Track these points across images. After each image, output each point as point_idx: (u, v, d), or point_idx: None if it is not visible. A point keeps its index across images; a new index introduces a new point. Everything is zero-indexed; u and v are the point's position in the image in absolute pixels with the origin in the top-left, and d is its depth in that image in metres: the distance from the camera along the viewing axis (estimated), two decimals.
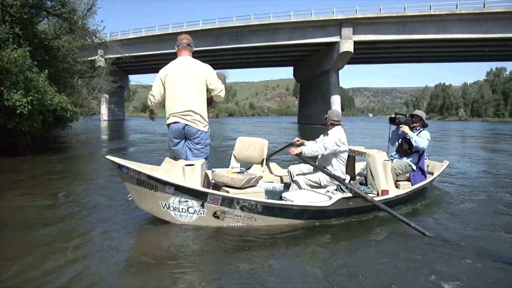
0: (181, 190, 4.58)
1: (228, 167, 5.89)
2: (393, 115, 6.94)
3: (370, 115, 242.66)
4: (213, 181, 5.37)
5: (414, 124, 6.70)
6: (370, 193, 5.67)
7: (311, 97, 57.67)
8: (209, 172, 5.44)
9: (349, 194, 5.25)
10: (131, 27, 75.10)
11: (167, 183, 4.55)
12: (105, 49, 28.74)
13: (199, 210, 4.67)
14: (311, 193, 5.47)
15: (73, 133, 23.04)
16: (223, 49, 52.27)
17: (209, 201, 4.62)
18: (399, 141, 6.85)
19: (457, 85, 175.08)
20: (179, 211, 4.69)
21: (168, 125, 5.07)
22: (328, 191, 5.51)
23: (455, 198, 6.93)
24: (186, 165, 4.81)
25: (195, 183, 4.69)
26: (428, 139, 6.57)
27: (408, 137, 6.60)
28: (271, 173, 6.70)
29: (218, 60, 63.32)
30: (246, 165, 6.27)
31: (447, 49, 51.95)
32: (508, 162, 13.13)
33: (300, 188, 5.81)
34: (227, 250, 4.17)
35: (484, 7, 42.87)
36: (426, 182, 6.48)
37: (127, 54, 54.26)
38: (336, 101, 49.92)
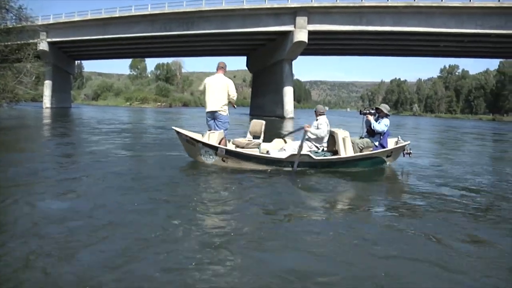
0: (205, 145, 8.33)
1: (246, 137, 9.85)
2: (361, 109, 9.65)
3: (326, 108, 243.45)
4: (234, 144, 9.09)
5: (379, 114, 9.26)
6: (322, 156, 8.58)
7: (263, 88, 55.99)
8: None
9: (296, 152, 8.10)
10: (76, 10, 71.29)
11: (198, 141, 8.38)
12: (33, 32, 25.64)
13: (214, 157, 8.37)
14: (283, 152, 8.59)
15: None
16: (172, 36, 49.90)
17: (218, 152, 8.27)
18: (367, 126, 9.32)
19: (412, 81, 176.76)
20: (206, 156, 8.47)
21: (207, 112, 9.06)
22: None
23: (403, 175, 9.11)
24: (211, 133, 8.56)
25: (212, 142, 8.32)
26: (386, 125, 9.00)
27: (371, 124, 9.13)
28: (285, 143, 9.44)
29: (168, 48, 60.92)
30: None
31: (404, 43, 51.10)
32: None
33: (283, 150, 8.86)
34: (225, 176, 7.70)
35: (442, 0, 42.15)
36: (373, 152, 8.89)
37: (70, 38, 51.47)
38: (288, 93, 48.37)
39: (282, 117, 44.09)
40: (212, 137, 8.40)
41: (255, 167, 8.21)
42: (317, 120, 8.96)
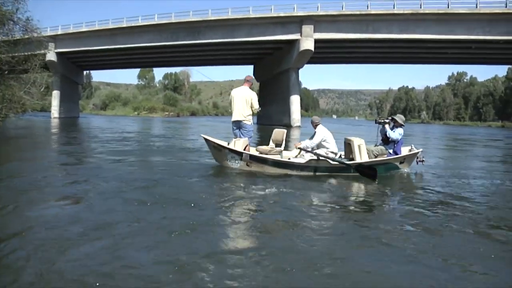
0: (231, 151, 9.20)
1: (268, 145, 10.42)
2: (377, 119, 10.42)
3: (334, 116, 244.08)
4: (257, 151, 9.79)
5: (394, 124, 9.90)
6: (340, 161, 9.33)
7: (270, 97, 55.75)
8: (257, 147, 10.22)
9: (315, 157, 9.03)
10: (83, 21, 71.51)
11: (225, 148, 9.28)
12: (41, 42, 25.61)
13: (239, 162, 9.15)
14: (302, 158, 9.47)
15: None
16: (180, 45, 50.01)
17: (243, 157, 9.05)
18: (382, 134, 10.02)
19: (419, 89, 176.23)
20: (231, 161, 9.28)
21: (232, 121, 9.92)
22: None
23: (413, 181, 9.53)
24: (237, 140, 9.44)
25: (238, 148, 9.16)
26: (400, 134, 9.71)
27: (386, 132, 9.78)
28: (300, 153, 10.13)
29: (175, 57, 61.10)
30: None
31: (411, 50, 50.91)
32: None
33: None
34: (249, 178, 8.36)
35: (448, 7, 41.96)
36: (386, 158, 9.63)
37: (79, 48, 51.67)
38: (295, 101, 48.30)
39: (289, 126, 43.89)
40: (238, 144, 9.33)
41: (276, 171, 9.02)
42: (315, 130, 9.83)
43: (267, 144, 10.64)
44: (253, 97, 9.86)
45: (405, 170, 10.01)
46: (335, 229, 5.05)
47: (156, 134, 25.60)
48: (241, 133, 9.87)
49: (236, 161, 9.21)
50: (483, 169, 11.85)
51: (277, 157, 9.48)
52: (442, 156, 16.28)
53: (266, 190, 7.16)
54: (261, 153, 9.69)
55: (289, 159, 9.67)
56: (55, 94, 58.70)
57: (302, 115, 50.94)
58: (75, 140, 19.20)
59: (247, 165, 9.12)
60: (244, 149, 9.28)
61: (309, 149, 9.46)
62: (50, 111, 60.16)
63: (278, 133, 10.75)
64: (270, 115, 53.55)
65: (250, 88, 10.14)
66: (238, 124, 9.90)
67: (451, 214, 5.92)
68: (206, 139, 9.63)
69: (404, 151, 10.17)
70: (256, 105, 9.91)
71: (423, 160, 10.18)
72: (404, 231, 5.04)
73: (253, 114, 9.99)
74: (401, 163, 9.87)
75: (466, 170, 11.52)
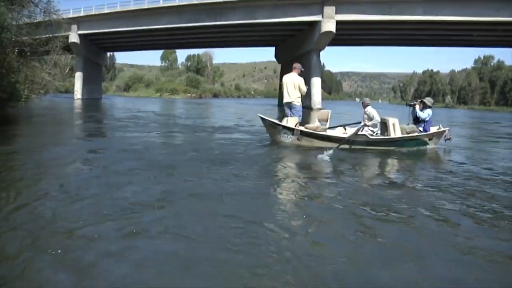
0: (284, 128, 10.90)
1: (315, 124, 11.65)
2: (407, 102, 12.16)
3: (357, 99, 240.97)
4: (306, 129, 11.05)
5: (423, 105, 11.32)
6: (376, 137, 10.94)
7: None
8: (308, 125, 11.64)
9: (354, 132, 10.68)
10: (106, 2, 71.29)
11: (279, 125, 11.00)
12: (62, 24, 25.74)
13: (291, 136, 10.81)
14: (344, 134, 11.11)
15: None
16: (201, 27, 49.77)
17: (295, 132, 10.74)
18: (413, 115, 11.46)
19: (444, 72, 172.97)
20: (284, 137, 10.92)
21: (284, 102, 11.59)
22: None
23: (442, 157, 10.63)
24: (289, 118, 11.16)
25: (290, 125, 10.89)
26: (429, 114, 11.24)
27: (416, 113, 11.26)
28: (345, 131, 11.63)
29: (197, 39, 60.98)
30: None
31: (435, 32, 49.74)
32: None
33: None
34: (299, 151, 10.05)
35: None
36: (417, 134, 11.13)
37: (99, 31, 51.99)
38: (316, 84, 47.72)
39: (310, 108, 43.60)
40: (290, 122, 11.07)
41: (323, 144, 10.47)
42: (366, 111, 11.24)
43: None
44: (301, 82, 11.42)
45: (432, 146, 11.35)
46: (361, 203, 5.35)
47: (181, 114, 25.82)
48: (292, 113, 11.44)
49: (288, 137, 10.86)
50: (505, 148, 13.44)
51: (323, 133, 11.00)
52: (466, 135, 17.97)
53: (310, 162, 8.79)
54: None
55: None
56: (78, 75, 59.31)
57: (325, 98, 50.66)
58: (95, 118, 19.60)
59: (298, 139, 10.77)
60: (295, 126, 10.91)
61: (372, 126, 11.01)
62: (73, 92, 60.94)
63: (323, 113, 12.14)
64: None
65: (298, 74, 11.52)
66: (289, 105, 11.52)
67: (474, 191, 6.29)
68: (262, 118, 11.47)
69: (433, 129, 11.49)
70: (304, 88, 11.48)
71: (450, 138, 11.50)
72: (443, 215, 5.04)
73: (301, 96, 11.49)
74: (430, 139, 11.33)
75: (489, 148, 13.27)
